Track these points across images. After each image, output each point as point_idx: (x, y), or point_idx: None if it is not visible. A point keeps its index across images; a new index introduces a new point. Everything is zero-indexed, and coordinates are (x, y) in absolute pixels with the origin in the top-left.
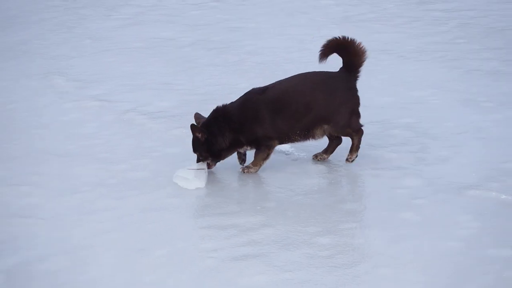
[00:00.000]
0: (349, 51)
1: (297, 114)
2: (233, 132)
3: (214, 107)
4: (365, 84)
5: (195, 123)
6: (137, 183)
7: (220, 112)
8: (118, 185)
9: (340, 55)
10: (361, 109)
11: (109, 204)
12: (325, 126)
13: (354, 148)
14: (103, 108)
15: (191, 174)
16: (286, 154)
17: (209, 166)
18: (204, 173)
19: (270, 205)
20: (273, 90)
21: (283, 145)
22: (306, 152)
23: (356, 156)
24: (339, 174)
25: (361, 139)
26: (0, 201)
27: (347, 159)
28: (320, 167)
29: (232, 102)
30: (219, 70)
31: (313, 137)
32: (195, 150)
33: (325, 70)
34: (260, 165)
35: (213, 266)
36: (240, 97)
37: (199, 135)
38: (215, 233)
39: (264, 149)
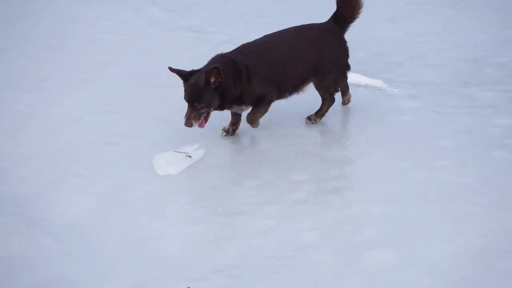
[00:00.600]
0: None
1: (293, 68)
2: (243, 84)
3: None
4: (460, 20)
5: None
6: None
7: (227, 60)
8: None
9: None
10: (456, 46)
11: None
12: (313, 80)
13: (322, 113)
14: (198, 40)
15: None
16: (379, 90)
17: (205, 119)
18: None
19: (361, 139)
20: (271, 45)
21: (376, 80)
22: (399, 88)
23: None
24: (431, 110)
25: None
26: (99, 122)
27: (309, 118)
28: (413, 104)
29: (233, 52)
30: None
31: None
32: (196, 99)
33: (315, 23)
34: (258, 123)
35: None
36: (240, 48)
37: (214, 80)
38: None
39: (265, 104)
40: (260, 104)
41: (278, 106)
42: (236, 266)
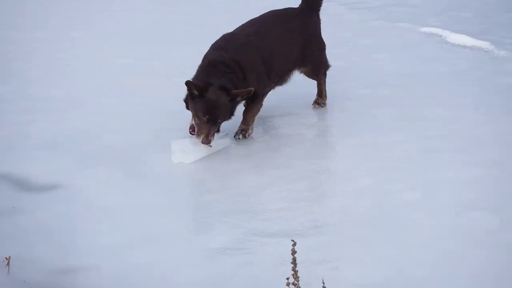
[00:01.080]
0: None
1: (281, 59)
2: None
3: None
4: None
5: (224, 86)
6: (333, 72)
7: (222, 67)
8: None
9: None
10: None
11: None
12: (302, 69)
13: (325, 94)
14: None
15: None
16: (486, 52)
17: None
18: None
19: (464, 101)
20: (257, 36)
21: (481, 41)
22: (506, 50)
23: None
24: None
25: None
26: None
27: (318, 103)
28: None
29: (218, 52)
30: None
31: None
32: (220, 116)
33: (291, 7)
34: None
35: None
36: (224, 44)
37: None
38: None
39: (260, 100)
40: (255, 100)
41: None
42: (334, 223)
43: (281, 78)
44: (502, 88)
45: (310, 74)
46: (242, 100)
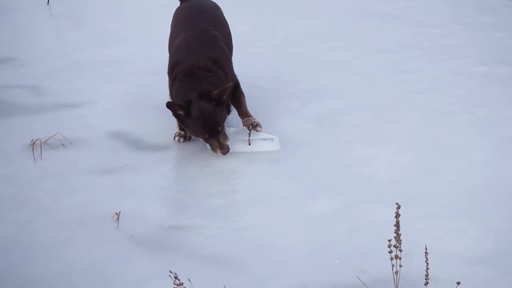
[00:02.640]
0: None
1: (230, 42)
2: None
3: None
4: None
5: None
6: (451, 49)
7: (202, 70)
8: (430, 49)
9: None
10: None
11: (419, 66)
12: None
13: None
14: None
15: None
16: None
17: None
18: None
19: None
20: (213, 26)
21: None
22: None
23: None
24: None
25: None
26: (311, 54)
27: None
28: None
29: (188, 56)
30: None
31: None
32: (218, 124)
33: None
34: None
35: None
36: (191, 44)
37: (224, 98)
38: None
39: (241, 88)
40: (239, 90)
41: None
42: (441, 195)
43: None
44: None
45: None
46: (228, 97)
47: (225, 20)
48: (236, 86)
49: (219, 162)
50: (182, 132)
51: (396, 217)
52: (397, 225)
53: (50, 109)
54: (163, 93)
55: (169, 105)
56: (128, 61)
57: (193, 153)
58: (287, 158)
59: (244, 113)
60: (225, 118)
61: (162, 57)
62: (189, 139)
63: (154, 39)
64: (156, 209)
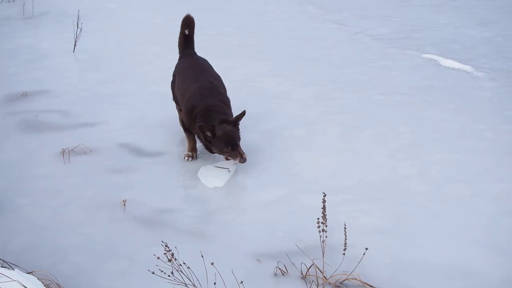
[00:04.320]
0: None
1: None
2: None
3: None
4: None
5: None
6: (359, 83)
7: (217, 107)
8: (346, 83)
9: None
10: None
11: (338, 95)
12: None
13: None
14: (340, 30)
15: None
16: (467, 73)
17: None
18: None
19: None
20: (215, 80)
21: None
22: (482, 72)
23: None
24: (504, 90)
25: None
26: (262, 87)
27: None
28: (491, 84)
29: (205, 99)
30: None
31: None
32: (238, 139)
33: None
34: None
35: None
36: (206, 92)
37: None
38: None
39: None
40: None
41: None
42: (355, 188)
43: None
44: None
45: None
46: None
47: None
48: None
49: (197, 165)
50: (191, 153)
51: (323, 202)
52: (324, 207)
53: (75, 127)
54: (156, 116)
55: (201, 128)
56: (131, 94)
57: (179, 160)
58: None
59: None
60: (239, 137)
61: (154, 91)
62: (196, 158)
63: (149, 79)
64: (152, 197)
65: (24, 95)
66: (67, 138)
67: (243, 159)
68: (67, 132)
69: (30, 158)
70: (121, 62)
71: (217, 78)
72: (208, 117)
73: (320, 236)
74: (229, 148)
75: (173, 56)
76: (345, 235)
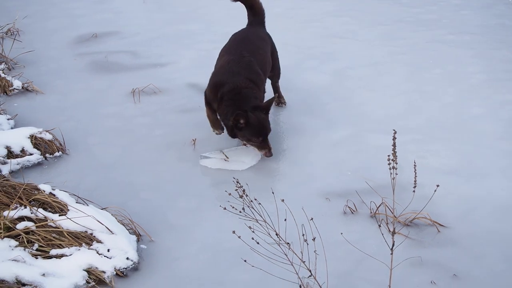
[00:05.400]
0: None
1: (266, 67)
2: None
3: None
4: None
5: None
6: (428, 23)
7: (246, 89)
8: (413, 23)
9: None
10: None
11: (405, 35)
12: (270, 73)
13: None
14: None
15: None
16: None
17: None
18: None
19: None
20: (250, 53)
21: None
22: None
23: None
24: None
25: None
26: (327, 27)
27: (282, 102)
28: None
29: (233, 77)
30: None
31: None
32: (268, 130)
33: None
34: None
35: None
36: (234, 68)
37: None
38: None
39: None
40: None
41: None
42: (422, 127)
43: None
44: None
45: (273, 77)
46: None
47: (267, 49)
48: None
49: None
50: (217, 131)
51: (393, 139)
52: (394, 144)
53: (144, 68)
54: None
55: (237, 115)
56: (197, 34)
57: None
58: (312, 100)
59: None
60: (270, 129)
61: (219, 31)
62: (223, 131)
63: (214, 19)
64: (220, 137)
65: (94, 36)
66: (137, 78)
67: (270, 153)
68: (136, 73)
69: (101, 98)
70: (186, 3)
71: (258, 54)
72: (237, 101)
73: (391, 173)
74: (260, 138)
75: None
76: (415, 173)
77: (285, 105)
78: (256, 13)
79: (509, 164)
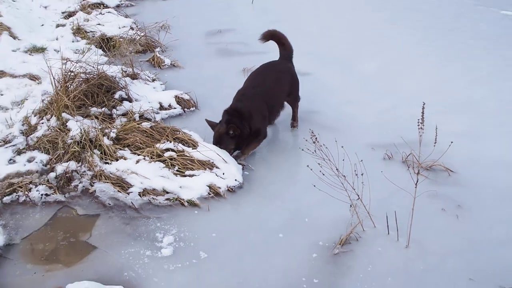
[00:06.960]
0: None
1: (278, 96)
2: (248, 127)
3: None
4: None
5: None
6: (453, 30)
7: (236, 112)
8: (441, 30)
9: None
10: None
11: (435, 38)
12: (287, 99)
13: (297, 118)
14: None
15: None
16: None
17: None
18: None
19: None
20: (261, 86)
21: None
22: None
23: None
24: None
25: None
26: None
27: (294, 126)
28: None
29: (237, 103)
30: None
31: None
32: (223, 145)
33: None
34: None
35: None
36: (240, 97)
37: (232, 132)
38: None
39: (260, 139)
40: (257, 138)
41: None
42: (443, 102)
43: (278, 110)
44: None
45: (291, 102)
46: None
47: (284, 80)
48: (258, 134)
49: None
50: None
51: (422, 108)
52: (423, 111)
53: (252, 54)
54: (308, 47)
55: (233, 124)
56: (285, 31)
57: (324, 78)
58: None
59: (241, 151)
60: (229, 144)
61: (305, 30)
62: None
63: (302, 20)
64: (303, 104)
65: (219, 32)
66: (247, 61)
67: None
68: (246, 57)
69: (222, 73)
70: (285, 9)
71: (272, 85)
72: (228, 115)
73: (419, 132)
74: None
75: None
76: (436, 133)
77: (297, 128)
78: (285, 49)
79: (505, 130)
